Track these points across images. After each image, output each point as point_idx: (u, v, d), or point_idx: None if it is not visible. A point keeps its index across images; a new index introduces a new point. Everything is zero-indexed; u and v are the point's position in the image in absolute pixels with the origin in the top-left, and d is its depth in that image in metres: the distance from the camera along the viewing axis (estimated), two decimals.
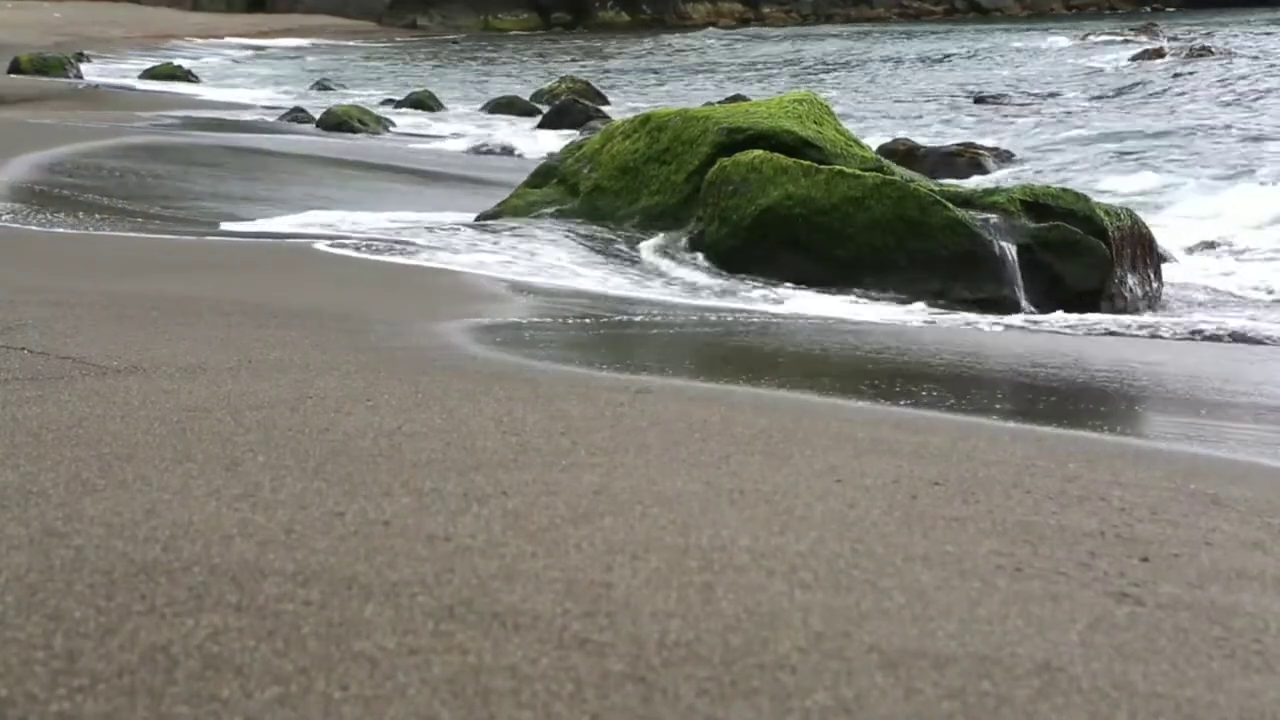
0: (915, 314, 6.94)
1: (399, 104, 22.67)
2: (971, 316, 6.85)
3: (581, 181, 8.66)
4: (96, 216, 8.49)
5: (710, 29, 57.75)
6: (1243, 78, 22.81)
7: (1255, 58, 26.74)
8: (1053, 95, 22.82)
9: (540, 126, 19.02)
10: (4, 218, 7.99)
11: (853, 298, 7.18)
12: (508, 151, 15.87)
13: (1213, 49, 28.00)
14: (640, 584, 2.27)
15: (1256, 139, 15.26)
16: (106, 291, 5.35)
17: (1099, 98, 21.96)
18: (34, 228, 7.77)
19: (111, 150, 12.01)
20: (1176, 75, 23.98)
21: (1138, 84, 23.21)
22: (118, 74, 30.16)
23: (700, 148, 8.21)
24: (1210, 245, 9.82)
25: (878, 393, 4.46)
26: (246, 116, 19.72)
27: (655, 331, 5.85)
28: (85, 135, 13.15)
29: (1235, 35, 35.19)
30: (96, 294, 5.25)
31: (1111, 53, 30.10)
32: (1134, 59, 27.54)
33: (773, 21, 62.64)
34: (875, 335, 6.00)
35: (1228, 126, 16.81)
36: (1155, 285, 7.88)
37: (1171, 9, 59.24)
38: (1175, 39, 29.46)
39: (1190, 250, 9.69)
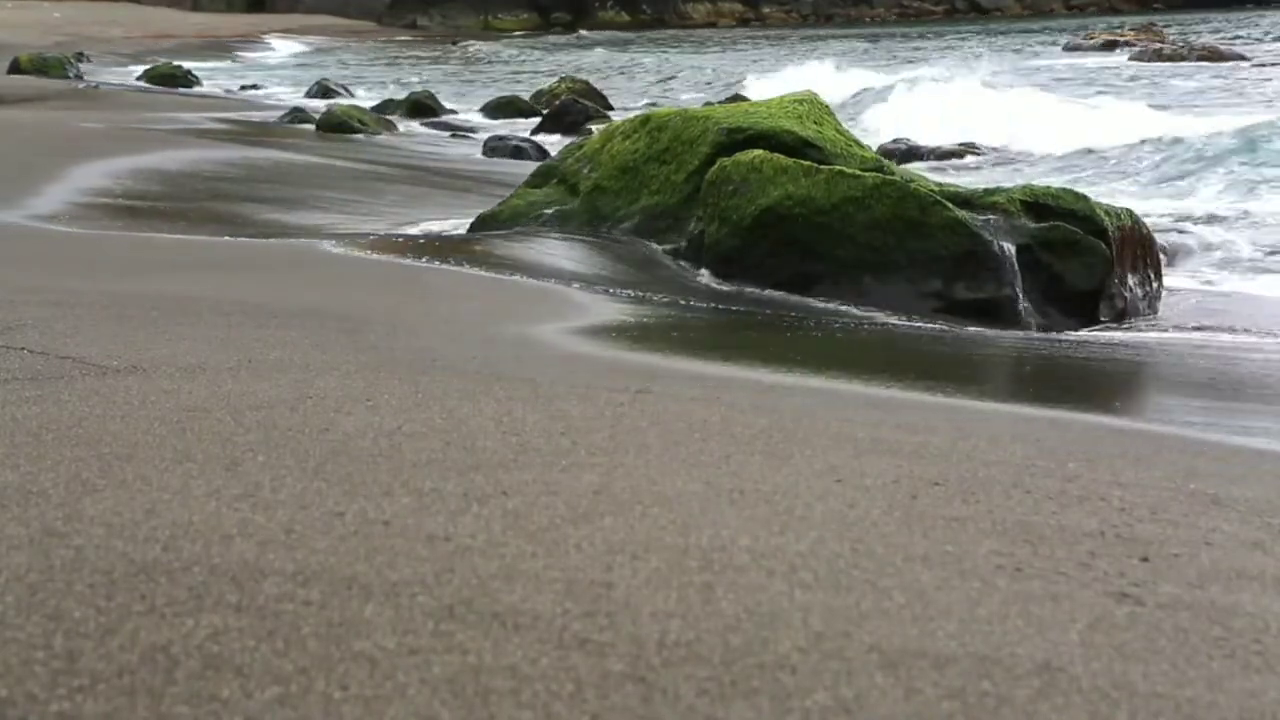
0: None
1: (399, 105, 22.64)
2: None
3: (581, 181, 8.66)
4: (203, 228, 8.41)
5: (710, 29, 57.79)
6: (1251, 79, 22.65)
7: (1267, 65, 26.22)
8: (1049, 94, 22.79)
9: (538, 130, 18.98)
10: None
11: None
12: (510, 152, 15.87)
13: (1219, 49, 27.66)
14: (640, 584, 2.27)
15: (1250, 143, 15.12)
16: (106, 291, 5.35)
17: (1098, 98, 21.92)
18: (47, 226, 7.77)
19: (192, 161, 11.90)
20: (1178, 76, 23.85)
21: (1136, 84, 23.15)
22: (118, 74, 30.15)
23: (700, 148, 8.20)
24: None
25: None
26: (253, 117, 19.70)
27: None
28: (139, 142, 13.09)
29: (1240, 36, 35.04)
30: (96, 294, 5.25)
31: (1110, 54, 29.99)
32: (1133, 59, 27.39)
33: (773, 21, 62.66)
34: None
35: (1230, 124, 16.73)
36: (1155, 285, 7.87)
37: (1173, 9, 59.19)
38: (1188, 42, 29.04)
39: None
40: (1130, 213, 7.99)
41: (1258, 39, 34.54)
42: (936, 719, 1.85)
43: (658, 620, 2.11)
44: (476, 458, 3.03)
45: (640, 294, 6.93)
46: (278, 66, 38.31)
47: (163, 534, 2.40)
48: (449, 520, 2.55)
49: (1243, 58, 26.90)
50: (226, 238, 8.02)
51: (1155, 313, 7.69)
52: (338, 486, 2.75)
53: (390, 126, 18.84)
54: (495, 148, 16.08)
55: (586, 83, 24.96)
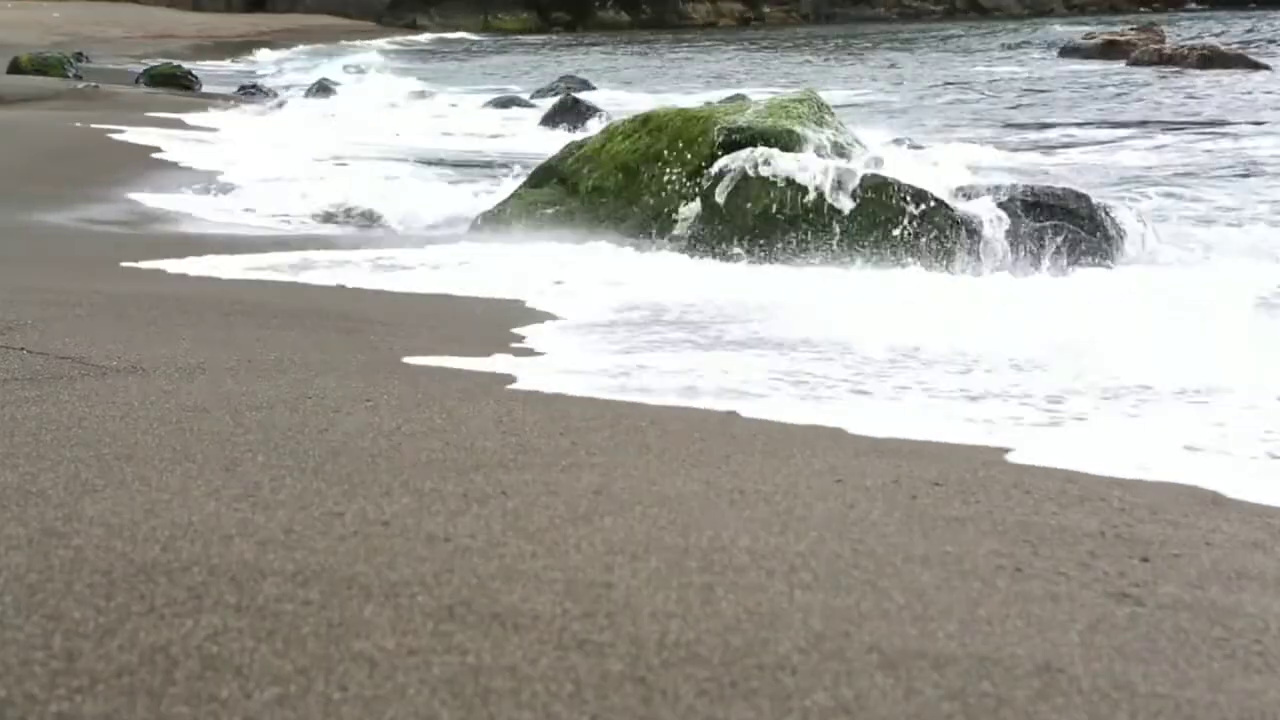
0: None
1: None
2: None
3: (582, 181, 8.66)
4: None
5: (710, 29, 57.83)
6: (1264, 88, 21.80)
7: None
8: (1047, 95, 22.70)
9: (543, 123, 19.12)
10: None
11: None
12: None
13: (1224, 51, 26.72)
14: (640, 584, 2.27)
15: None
16: (106, 291, 5.35)
17: (1099, 99, 21.85)
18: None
19: None
20: (1188, 81, 23.33)
21: (1141, 88, 23.05)
22: (118, 75, 30.13)
23: (701, 147, 8.21)
24: None
25: None
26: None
27: None
28: None
29: (1248, 37, 34.67)
30: (96, 294, 5.25)
31: (1109, 59, 29.54)
32: (1130, 65, 26.92)
33: (773, 22, 62.68)
34: None
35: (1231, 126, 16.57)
36: None
37: (1174, 9, 59.08)
38: (1191, 47, 27.88)
39: None
40: (1129, 210, 7.99)
41: (1264, 40, 34.13)
42: (936, 719, 1.85)
43: (658, 620, 2.11)
44: (476, 458, 3.03)
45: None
46: (272, 67, 38.25)
47: (162, 534, 2.40)
48: (449, 520, 2.55)
49: (1251, 62, 26.02)
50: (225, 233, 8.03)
51: None
52: (338, 486, 2.75)
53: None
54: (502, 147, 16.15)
55: (585, 81, 24.99)
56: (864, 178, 7.41)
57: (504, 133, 17.46)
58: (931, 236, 7.17)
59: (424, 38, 53.43)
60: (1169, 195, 10.32)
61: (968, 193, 7.61)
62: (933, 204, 7.24)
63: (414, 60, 38.00)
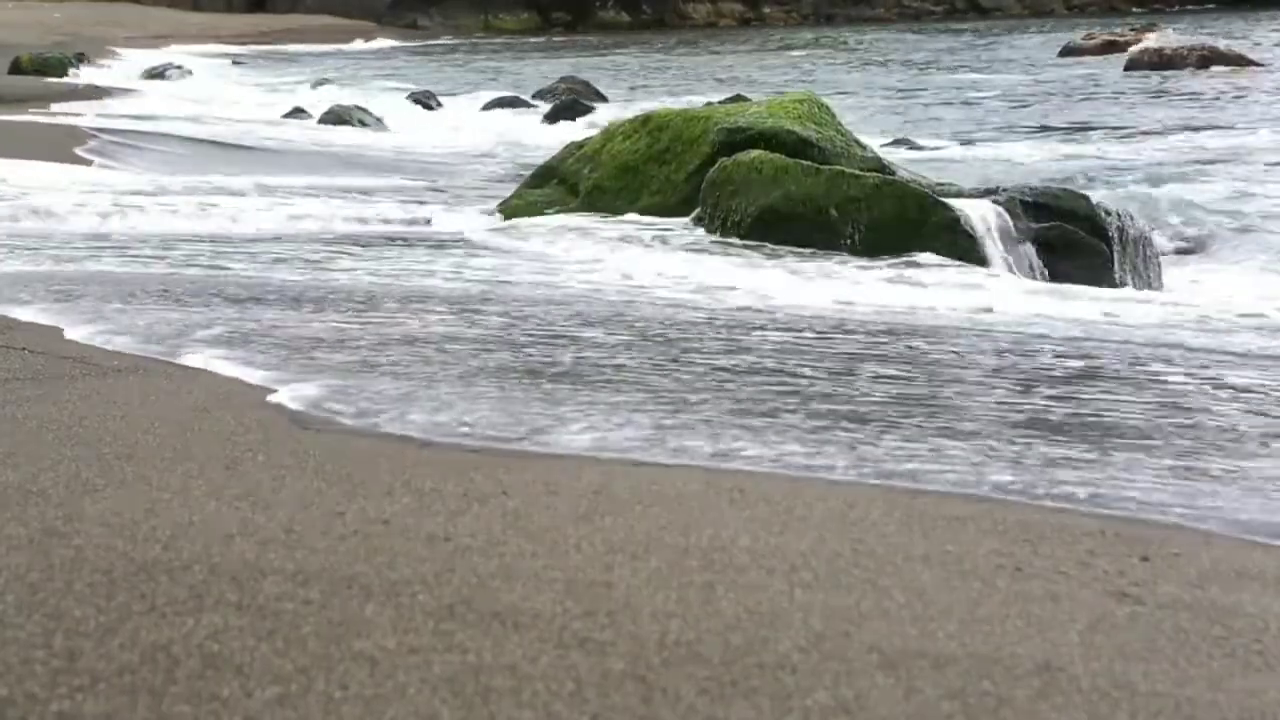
0: None
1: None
2: None
3: (582, 181, 8.66)
4: None
5: (710, 29, 57.86)
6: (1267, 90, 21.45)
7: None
8: (1050, 96, 22.67)
9: (547, 119, 19.22)
10: None
11: None
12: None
13: (1223, 51, 26.28)
14: (640, 584, 2.27)
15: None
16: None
17: (1099, 99, 21.82)
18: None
19: None
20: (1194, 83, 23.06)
21: (1139, 88, 22.98)
22: (119, 75, 30.14)
23: (701, 147, 8.21)
24: None
25: None
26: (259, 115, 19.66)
27: None
28: None
29: (1248, 37, 34.52)
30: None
31: (1109, 58, 29.36)
32: (1129, 65, 26.70)
33: (773, 22, 62.68)
34: None
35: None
36: (1156, 286, 7.87)
37: (1174, 8, 59.00)
38: (1192, 48, 27.29)
39: None
40: (1130, 212, 7.99)
41: (1264, 40, 33.85)
42: (936, 719, 1.85)
43: (658, 620, 2.11)
44: (477, 457, 3.03)
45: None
46: (267, 67, 38.24)
47: (163, 534, 2.40)
48: (449, 520, 2.55)
49: (1250, 61, 25.61)
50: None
51: None
52: (337, 486, 2.75)
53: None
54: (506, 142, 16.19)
55: (585, 82, 25.02)
56: None
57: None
58: None
59: (411, 42, 53.43)
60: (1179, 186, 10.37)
61: None
62: None
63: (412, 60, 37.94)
